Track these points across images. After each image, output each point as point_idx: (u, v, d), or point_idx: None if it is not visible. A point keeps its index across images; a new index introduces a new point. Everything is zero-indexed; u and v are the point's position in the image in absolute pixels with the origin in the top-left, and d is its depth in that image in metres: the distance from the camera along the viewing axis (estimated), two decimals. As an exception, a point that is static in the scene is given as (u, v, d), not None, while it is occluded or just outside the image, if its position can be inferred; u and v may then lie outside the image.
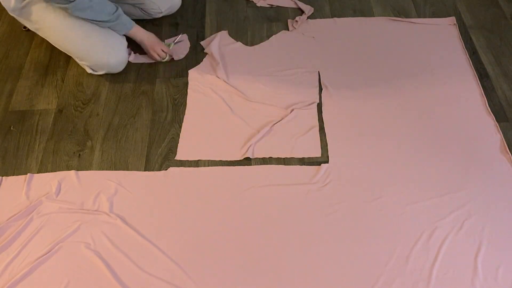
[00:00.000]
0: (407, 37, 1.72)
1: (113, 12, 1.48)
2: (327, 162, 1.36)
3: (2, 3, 1.50)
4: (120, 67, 1.60)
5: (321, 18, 1.81)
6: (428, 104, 1.49)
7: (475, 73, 1.56)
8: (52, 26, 1.50)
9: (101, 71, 1.59)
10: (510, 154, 1.35)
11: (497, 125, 1.42)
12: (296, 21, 1.78)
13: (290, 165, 1.37)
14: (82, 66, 1.61)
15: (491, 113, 1.45)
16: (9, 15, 1.52)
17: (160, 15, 1.76)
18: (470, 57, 1.63)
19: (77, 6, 1.39)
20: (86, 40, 1.51)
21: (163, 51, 1.63)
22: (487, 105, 1.48)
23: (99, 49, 1.51)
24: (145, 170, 1.37)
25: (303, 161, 1.38)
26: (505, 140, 1.39)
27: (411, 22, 1.77)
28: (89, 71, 1.60)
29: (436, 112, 1.47)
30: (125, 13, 1.57)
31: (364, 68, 1.61)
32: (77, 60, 1.60)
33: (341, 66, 1.62)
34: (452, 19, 1.78)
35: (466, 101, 1.49)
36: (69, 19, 1.47)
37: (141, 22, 1.69)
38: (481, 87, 1.52)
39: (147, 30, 1.64)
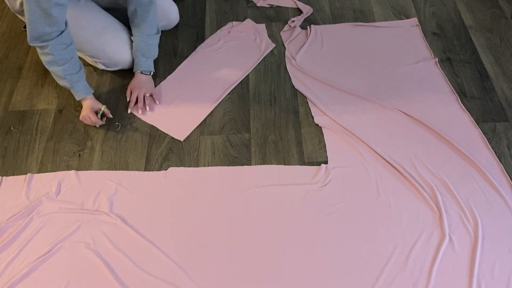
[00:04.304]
0: (374, 42, 1.70)
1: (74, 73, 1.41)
2: (326, 162, 1.36)
3: (8, 4, 1.48)
4: None
5: (321, 18, 1.81)
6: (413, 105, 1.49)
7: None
8: None
9: (115, 67, 1.58)
10: (493, 151, 1.35)
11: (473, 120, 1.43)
12: (293, 21, 1.78)
13: (290, 165, 1.37)
14: (93, 63, 1.60)
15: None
16: (9, 15, 1.51)
17: None
18: (470, 57, 1.64)
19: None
20: (99, 37, 1.49)
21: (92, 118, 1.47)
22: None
23: (113, 46, 1.50)
24: (145, 170, 1.37)
25: (303, 161, 1.38)
26: (506, 140, 1.39)
27: (375, 26, 1.76)
28: (101, 67, 1.59)
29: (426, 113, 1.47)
30: (121, 23, 1.56)
31: (349, 72, 1.60)
32: (88, 58, 1.59)
33: (329, 71, 1.61)
34: (414, 20, 1.77)
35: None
36: (79, 19, 1.46)
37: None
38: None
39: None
